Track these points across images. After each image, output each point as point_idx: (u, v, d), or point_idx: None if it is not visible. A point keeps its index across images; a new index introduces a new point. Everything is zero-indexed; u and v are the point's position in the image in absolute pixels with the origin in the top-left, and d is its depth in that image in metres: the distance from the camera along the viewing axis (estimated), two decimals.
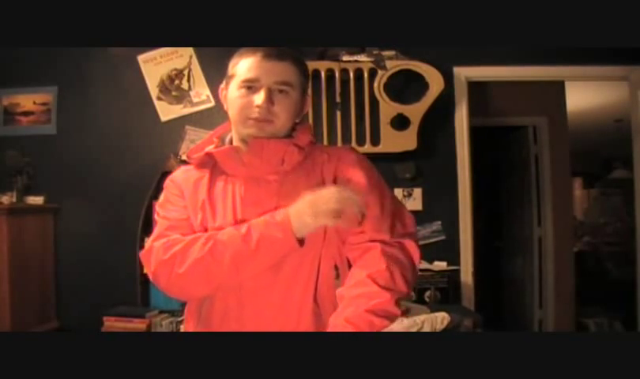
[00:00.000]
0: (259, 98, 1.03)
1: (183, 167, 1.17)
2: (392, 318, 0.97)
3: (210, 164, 1.11)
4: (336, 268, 1.05)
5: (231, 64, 1.09)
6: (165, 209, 1.10)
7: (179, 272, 0.99)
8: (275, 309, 1.02)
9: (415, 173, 2.78)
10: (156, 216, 1.12)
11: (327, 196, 0.96)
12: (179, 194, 1.10)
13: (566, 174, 4.00)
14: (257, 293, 1.02)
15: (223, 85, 1.12)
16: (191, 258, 0.99)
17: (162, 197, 1.14)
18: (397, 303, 0.97)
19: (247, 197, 1.05)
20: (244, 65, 1.05)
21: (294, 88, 1.06)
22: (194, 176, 1.12)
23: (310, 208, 0.96)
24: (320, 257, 1.04)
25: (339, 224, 0.98)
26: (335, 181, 1.06)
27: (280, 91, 1.04)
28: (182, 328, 1.14)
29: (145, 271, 1.09)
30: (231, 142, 1.13)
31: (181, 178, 1.13)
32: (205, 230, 1.04)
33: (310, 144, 1.12)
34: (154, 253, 1.04)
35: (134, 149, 2.84)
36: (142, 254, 1.08)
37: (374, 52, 2.68)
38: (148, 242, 1.09)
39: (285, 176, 1.07)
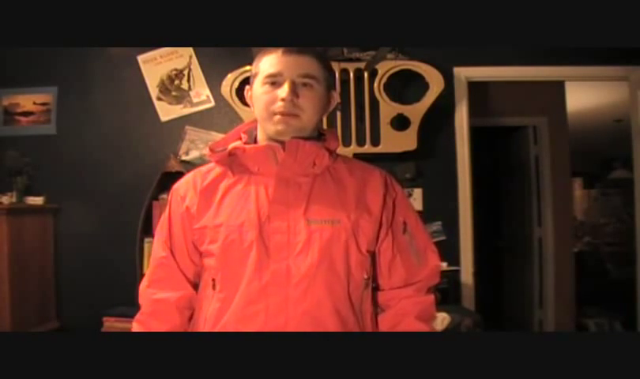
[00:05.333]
0: (283, 91, 1.02)
1: (192, 172, 1.16)
2: None
3: (229, 161, 1.11)
4: (366, 279, 1.08)
5: (254, 64, 1.10)
6: (160, 232, 1.15)
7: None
8: (298, 318, 1.01)
9: (415, 173, 2.78)
10: (157, 230, 1.16)
11: None
12: (180, 206, 1.11)
13: (566, 174, 4.00)
14: (283, 306, 1.00)
15: (247, 86, 1.13)
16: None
17: (165, 211, 1.16)
18: None
19: (276, 196, 1.04)
20: (266, 62, 1.05)
21: (318, 82, 1.06)
22: (208, 177, 1.11)
23: None
24: (349, 268, 1.05)
25: None
26: (367, 200, 1.09)
27: (304, 84, 1.04)
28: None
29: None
30: (255, 139, 1.12)
31: (187, 186, 1.12)
32: (219, 226, 1.05)
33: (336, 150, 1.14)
34: (141, 305, 1.14)
35: (134, 149, 2.84)
36: (140, 291, 1.15)
37: (375, 52, 2.68)
38: (148, 271, 1.15)
39: (315, 179, 1.07)
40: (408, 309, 1.10)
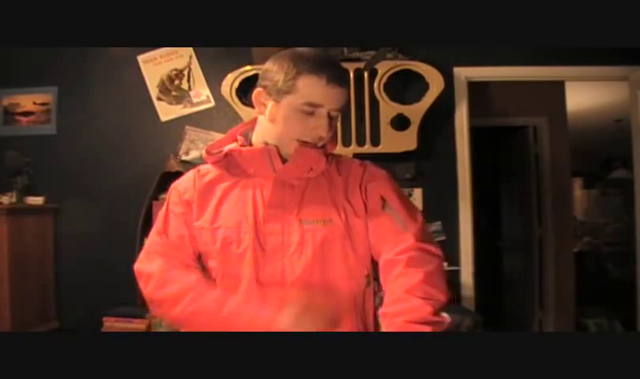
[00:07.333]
0: (323, 129, 1.02)
1: (191, 171, 1.16)
2: (435, 325, 0.93)
3: (225, 163, 1.11)
4: (367, 276, 1.08)
5: (282, 74, 1.01)
6: (163, 221, 1.12)
7: (172, 315, 1.05)
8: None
9: (415, 173, 2.78)
10: (154, 225, 1.14)
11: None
12: (179, 202, 1.11)
13: (566, 174, 4.00)
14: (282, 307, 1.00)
15: (260, 89, 1.06)
16: (176, 312, 1.03)
17: (163, 207, 1.15)
18: (438, 313, 0.95)
19: (273, 199, 1.05)
20: (307, 86, 0.99)
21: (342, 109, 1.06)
22: (205, 178, 1.11)
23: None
24: (348, 266, 1.05)
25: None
26: (350, 195, 1.09)
27: (334, 117, 1.05)
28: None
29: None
30: (251, 141, 1.12)
31: (187, 184, 1.13)
32: (217, 228, 1.05)
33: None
34: (146, 282, 1.08)
35: (134, 149, 2.85)
36: (136, 270, 1.11)
37: (375, 52, 2.68)
38: (142, 252, 1.12)
39: (308, 181, 1.08)
40: (398, 288, 0.99)
